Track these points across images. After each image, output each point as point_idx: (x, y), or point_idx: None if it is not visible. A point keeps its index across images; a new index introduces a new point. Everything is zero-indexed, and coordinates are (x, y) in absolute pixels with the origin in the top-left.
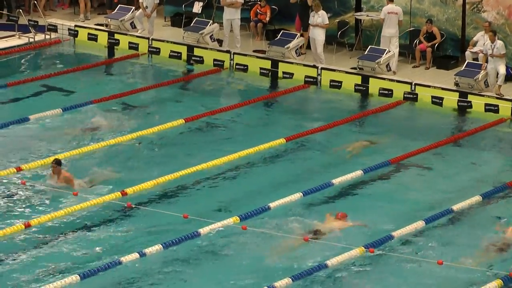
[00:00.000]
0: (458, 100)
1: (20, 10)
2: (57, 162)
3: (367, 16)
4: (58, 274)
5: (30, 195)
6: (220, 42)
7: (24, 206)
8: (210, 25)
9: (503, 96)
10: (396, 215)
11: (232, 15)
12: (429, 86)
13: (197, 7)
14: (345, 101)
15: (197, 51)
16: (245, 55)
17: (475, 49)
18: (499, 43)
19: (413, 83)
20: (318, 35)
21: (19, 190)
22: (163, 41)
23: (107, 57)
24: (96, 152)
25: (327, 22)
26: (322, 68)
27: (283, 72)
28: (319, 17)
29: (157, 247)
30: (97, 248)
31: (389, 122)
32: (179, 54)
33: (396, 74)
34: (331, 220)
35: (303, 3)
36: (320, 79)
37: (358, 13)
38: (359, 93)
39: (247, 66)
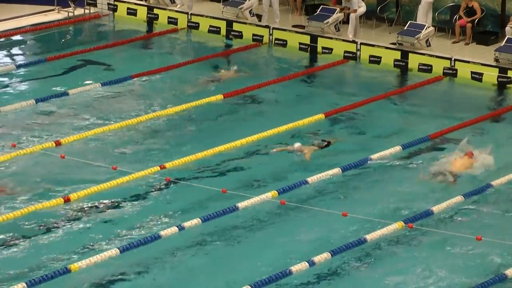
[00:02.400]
0: (497, 75)
1: None
2: None
3: None
4: (97, 248)
5: (69, 169)
6: (259, 17)
7: (63, 180)
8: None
9: None
10: (435, 189)
11: None
12: (468, 62)
13: None
14: (384, 76)
15: (236, 26)
16: (284, 30)
17: None
18: None
19: (453, 59)
20: None
21: (59, 164)
22: (202, 16)
23: (146, 32)
24: (136, 126)
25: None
26: (361, 44)
27: (322, 47)
28: None
29: (196, 221)
30: (137, 222)
31: (429, 97)
32: (218, 29)
33: (436, 49)
34: None
35: None
36: (359, 54)
37: None
38: (399, 69)
39: (286, 41)
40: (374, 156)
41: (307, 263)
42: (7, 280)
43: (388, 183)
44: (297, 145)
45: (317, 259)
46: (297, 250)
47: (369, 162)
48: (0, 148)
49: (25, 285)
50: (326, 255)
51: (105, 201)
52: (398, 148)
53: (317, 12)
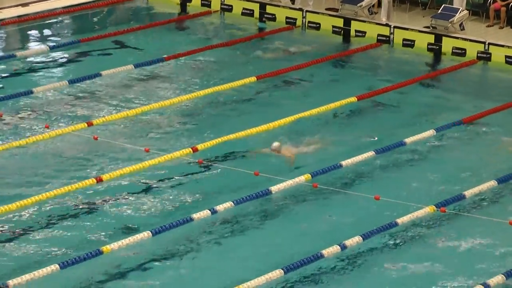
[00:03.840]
0: None
1: None
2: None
3: None
4: (130, 231)
5: (102, 150)
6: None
7: (95, 161)
8: None
9: None
10: (468, 174)
11: None
12: (502, 46)
13: None
14: (418, 60)
15: (269, 9)
16: (318, 13)
17: None
18: None
19: (487, 43)
20: None
21: (91, 145)
22: None
23: (179, 14)
24: (168, 108)
25: None
26: (395, 27)
27: (356, 31)
28: None
29: (228, 204)
30: (169, 205)
31: (462, 81)
32: (251, 12)
33: (470, 33)
34: None
35: None
36: (393, 37)
37: None
38: (432, 52)
39: (319, 24)
40: (408, 139)
41: (338, 247)
42: (41, 262)
43: (421, 167)
44: (274, 144)
45: (348, 242)
46: (329, 233)
47: (402, 145)
48: (34, 129)
49: (58, 266)
50: (357, 239)
51: (137, 183)
52: (431, 131)
53: None
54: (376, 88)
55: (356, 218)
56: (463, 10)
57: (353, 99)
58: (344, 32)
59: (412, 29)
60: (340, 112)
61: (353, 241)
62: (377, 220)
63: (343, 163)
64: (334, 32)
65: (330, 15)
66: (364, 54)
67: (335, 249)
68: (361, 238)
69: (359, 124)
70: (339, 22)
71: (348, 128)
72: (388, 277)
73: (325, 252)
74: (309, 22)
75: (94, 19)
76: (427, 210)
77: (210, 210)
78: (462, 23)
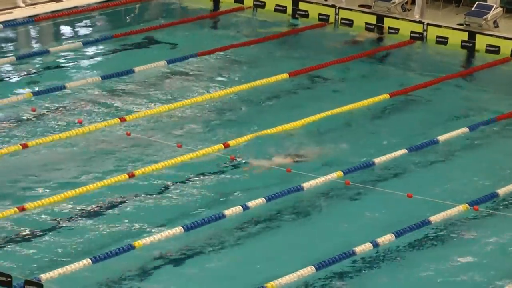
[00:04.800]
0: None
1: None
2: None
3: None
4: (162, 226)
5: (134, 145)
6: None
7: (128, 156)
8: None
9: None
10: (502, 172)
11: None
12: None
13: None
14: (451, 57)
15: (302, 5)
16: (351, 9)
17: None
18: None
19: None
20: None
21: (123, 140)
22: None
23: (212, 10)
24: (200, 104)
25: None
26: (428, 24)
27: (389, 27)
28: None
29: (260, 201)
30: (201, 201)
31: (496, 79)
32: (284, 8)
33: (504, 30)
34: None
35: None
36: (426, 35)
37: None
38: (466, 50)
39: (352, 20)
40: (441, 137)
41: (370, 244)
42: (73, 256)
43: (454, 165)
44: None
45: (380, 240)
46: (361, 230)
47: (435, 143)
48: (67, 124)
49: (90, 261)
50: (390, 236)
51: (169, 179)
52: (464, 129)
53: None
54: (409, 85)
55: (389, 216)
56: (497, 7)
57: (385, 96)
58: (377, 29)
59: (445, 26)
60: (373, 109)
61: (385, 238)
62: (410, 218)
63: (376, 160)
64: (367, 29)
65: (363, 12)
66: (397, 51)
67: (367, 246)
68: (393, 236)
69: (392, 121)
70: (372, 19)
71: (380, 125)
72: (420, 275)
73: (357, 249)
74: (342, 18)
75: (127, 15)
76: (460, 208)
77: (242, 207)
78: (496, 20)
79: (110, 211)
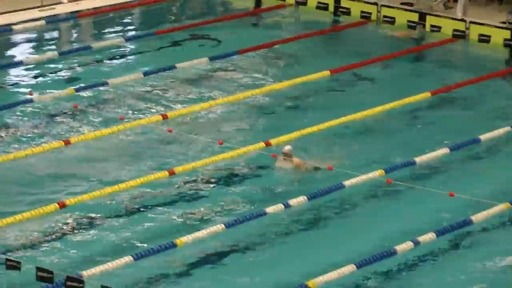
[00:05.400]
0: None
1: None
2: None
3: None
4: (203, 223)
5: (175, 142)
6: None
7: (169, 153)
8: None
9: None
10: None
11: None
12: None
13: None
14: (494, 56)
15: (344, 3)
16: (393, 7)
17: None
18: None
19: None
20: None
21: (165, 137)
22: None
23: (254, 7)
24: (242, 101)
25: None
26: (470, 22)
27: (431, 25)
28: None
29: (302, 199)
30: (242, 198)
31: None
32: (326, 5)
33: None
34: None
35: None
36: (468, 33)
37: None
38: (508, 48)
39: (394, 18)
40: (483, 136)
41: (412, 243)
42: (115, 253)
43: (496, 164)
44: (287, 147)
45: (422, 238)
46: (402, 229)
47: (477, 142)
48: (108, 121)
49: (131, 258)
50: (431, 235)
51: (210, 176)
52: (506, 128)
53: None
54: (451, 84)
55: (430, 215)
56: None
57: (427, 94)
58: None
59: (488, 25)
60: (414, 107)
61: (427, 237)
62: (451, 217)
63: (417, 159)
64: (409, 26)
65: (405, 9)
66: (439, 49)
67: (408, 245)
68: (434, 235)
69: (433, 120)
70: (414, 17)
71: (422, 124)
72: (461, 274)
73: (398, 248)
74: (384, 16)
75: (169, 11)
76: (503, 207)
77: (283, 204)
78: None
79: (151, 208)
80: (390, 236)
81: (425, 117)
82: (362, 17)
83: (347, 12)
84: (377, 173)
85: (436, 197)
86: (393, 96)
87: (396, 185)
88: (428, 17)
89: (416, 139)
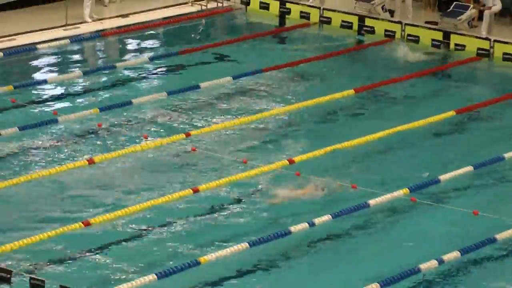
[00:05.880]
0: None
1: None
2: None
3: None
4: (226, 242)
5: (199, 161)
6: (391, 12)
7: (192, 172)
8: None
9: None
10: None
11: None
12: None
13: None
14: None
15: (368, 21)
16: (417, 26)
17: None
18: None
19: None
20: None
21: (189, 155)
22: (334, 10)
23: (278, 26)
24: (265, 120)
25: None
26: (495, 41)
27: (455, 44)
28: None
29: (326, 218)
30: (266, 217)
31: None
32: (350, 24)
33: None
34: None
35: None
36: (493, 51)
37: None
38: None
39: (418, 37)
40: (507, 154)
41: (436, 261)
42: (138, 271)
43: None
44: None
45: (446, 257)
46: (426, 247)
47: (501, 160)
48: (132, 140)
49: (155, 276)
50: (455, 254)
51: (234, 194)
52: None
53: (451, 9)
54: (475, 102)
55: (454, 233)
56: None
57: (451, 113)
58: (444, 46)
59: None
60: (439, 126)
61: (451, 255)
62: (476, 235)
63: (441, 177)
64: (433, 45)
65: (429, 28)
66: (464, 67)
67: (432, 263)
68: (459, 253)
69: (458, 138)
70: (439, 36)
71: (446, 142)
72: None
73: (422, 266)
74: (408, 35)
75: (193, 30)
76: None
77: (308, 223)
78: None
79: (174, 226)
80: (414, 254)
81: (449, 135)
82: (386, 35)
83: (371, 31)
84: (401, 192)
85: (460, 216)
86: (417, 114)
87: (421, 203)
88: (452, 36)
89: (440, 157)
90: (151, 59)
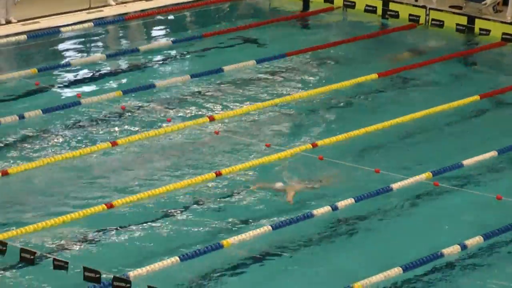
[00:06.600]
0: None
1: None
2: None
3: None
4: (250, 225)
5: (222, 144)
6: None
7: (216, 155)
8: None
9: None
10: None
11: None
12: None
13: None
14: None
15: (392, 6)
16: (441, 10)
17: None
18: None
19: None
20: None
21: (212, 139)
22: None
23: (301, 10)
24: (289, 104)
25: None
26: None
27: (480, 29)
28: None
29: (349, 201)
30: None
31: None
32: (374, 8)
33: None
34: None
35: None
36: None
37: None
38: None
39: (443, 22)
40: None
41: (459, 246)
42: (161, 254)
43: None
44: (278, 184)
45: (469, 242)
46: (449, 232)
47: None
48: (156, 123)
49: (178, 258)
50: (478, 239)
51: (257, 178)
52: None
53: None
54: (500, 87)
55: (477, 218)
56: None
57: (476, 97)
58: (468, 30)
59: None
60: (463, 111)
61: (474, 241)
62: (499, 220)
63: (465, 162)
64: (457, 30)
65: (454, 12)
66: (488, 53)
67: (455, 248)
68: (482, 238)
69: (482, 123)
70: (463, 20)
71: (470, 127)
72: (508, 279)
73: (445, 251)
74: (432, 19)
75: (217, 14)
76: None
77: (331, 206)
78: None
79: (197, 209)
80: (437, 239)
81: (474, 120)
82: (410, 20)
83: (396, 15)
84: (424, 176)
85: (483, 200)
86: (441, 99)
87: (444, 187)
88: (477, 21)
89: (464, 142)
90: (175, 42)
